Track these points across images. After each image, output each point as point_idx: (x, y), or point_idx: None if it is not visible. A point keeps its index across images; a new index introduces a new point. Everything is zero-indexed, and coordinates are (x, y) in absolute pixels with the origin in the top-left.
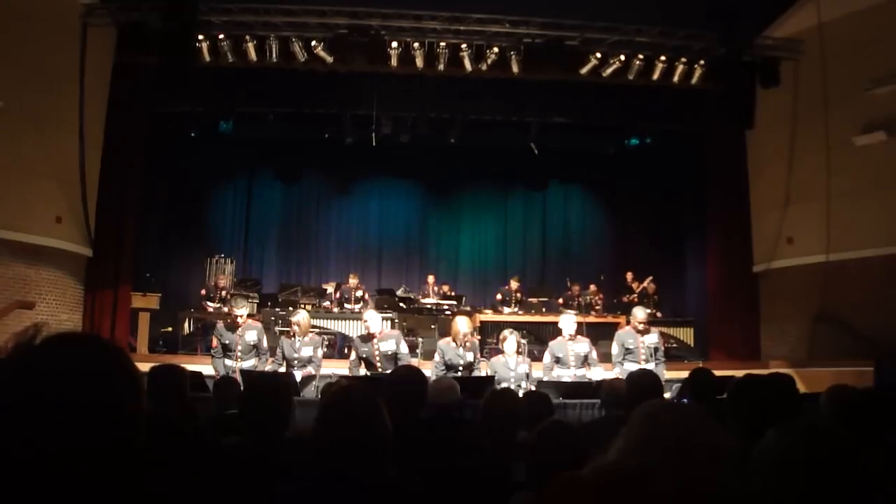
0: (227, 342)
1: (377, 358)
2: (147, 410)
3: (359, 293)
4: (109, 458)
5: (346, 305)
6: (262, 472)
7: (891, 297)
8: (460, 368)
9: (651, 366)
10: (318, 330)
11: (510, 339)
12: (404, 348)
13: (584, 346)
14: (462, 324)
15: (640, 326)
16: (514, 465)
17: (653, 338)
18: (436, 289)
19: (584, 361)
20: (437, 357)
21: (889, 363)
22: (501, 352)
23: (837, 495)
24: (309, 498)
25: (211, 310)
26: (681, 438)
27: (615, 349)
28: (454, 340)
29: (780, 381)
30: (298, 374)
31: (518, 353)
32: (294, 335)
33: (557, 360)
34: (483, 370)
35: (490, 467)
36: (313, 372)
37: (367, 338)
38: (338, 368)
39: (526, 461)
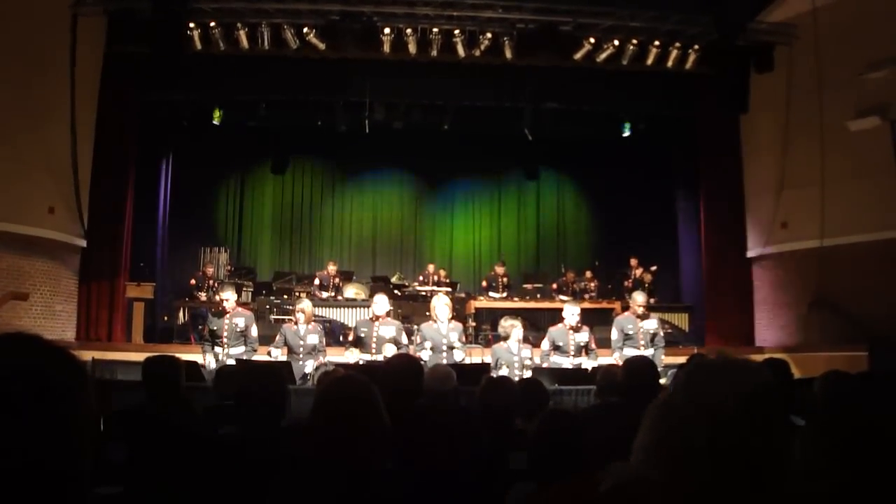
0: (214, 328)
1: (374, 340)
2: (94, 409)
3: (336, 281)
4: (51, 459)
5: (323, 293)
6: (257, 462)
7: (885, 281)
8: (444, 349)
9: (650, 351)
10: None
11: (517, 329)
12: (404, 339)
13: (584, 335)
14: (437, 302)
15: (640, 311)
16: (511, 452)
17: (652, 323)
18: (436, 277)
19: (583, 350)
20: (417, 339)
21: (883, 348)
22: (501, 338)
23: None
24: (304, 489)
25: (204, 299)
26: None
27: (615, 335)
28: (434, 321)
29: (774, 366)
30: (310, 363)
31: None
32: (297, 322)
33: (557, 348)
34: (469, 355)
35: (488, 455)
36: (323, 360)
37: (371, 318)
38: (332, 356)
39: (528, 451)
